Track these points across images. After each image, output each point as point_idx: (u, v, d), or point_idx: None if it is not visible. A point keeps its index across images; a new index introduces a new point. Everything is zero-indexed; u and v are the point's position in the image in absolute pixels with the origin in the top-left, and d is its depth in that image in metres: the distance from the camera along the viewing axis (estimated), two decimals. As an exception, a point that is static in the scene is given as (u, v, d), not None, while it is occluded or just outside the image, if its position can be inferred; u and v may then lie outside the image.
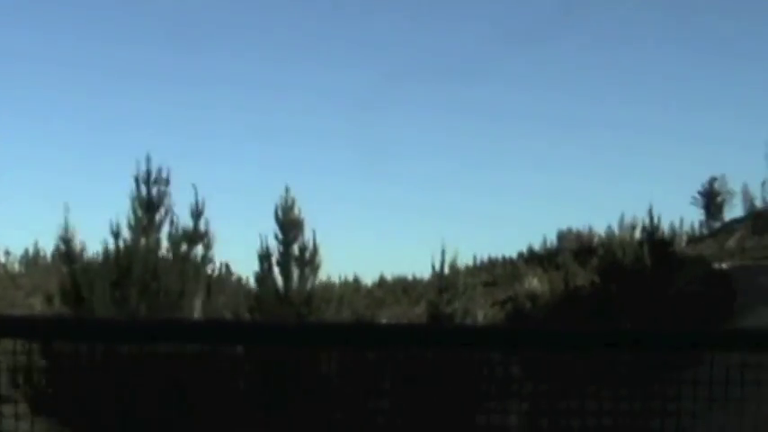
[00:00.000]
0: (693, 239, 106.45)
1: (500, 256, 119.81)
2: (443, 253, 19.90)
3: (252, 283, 12.20)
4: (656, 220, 32.08)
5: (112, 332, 2.40)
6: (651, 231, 31.91)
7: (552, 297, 37.87)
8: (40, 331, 2.45)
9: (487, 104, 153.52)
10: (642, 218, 30.43)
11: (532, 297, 48.38)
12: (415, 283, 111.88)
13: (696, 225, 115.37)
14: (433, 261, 20.11)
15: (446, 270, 20.02)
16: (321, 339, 2.55)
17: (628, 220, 28.35)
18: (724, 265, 64.91)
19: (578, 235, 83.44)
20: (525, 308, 42.22)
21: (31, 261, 48.58)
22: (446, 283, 19.90)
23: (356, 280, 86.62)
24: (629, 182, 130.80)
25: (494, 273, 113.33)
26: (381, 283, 74.34)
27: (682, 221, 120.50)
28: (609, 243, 25.46)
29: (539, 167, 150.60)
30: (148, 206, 9.69)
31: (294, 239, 10.62)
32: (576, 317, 24.06)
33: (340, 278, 79.86)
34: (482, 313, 66.39)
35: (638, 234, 27.60)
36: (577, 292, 31.03)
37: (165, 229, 9.98)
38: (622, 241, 25.15)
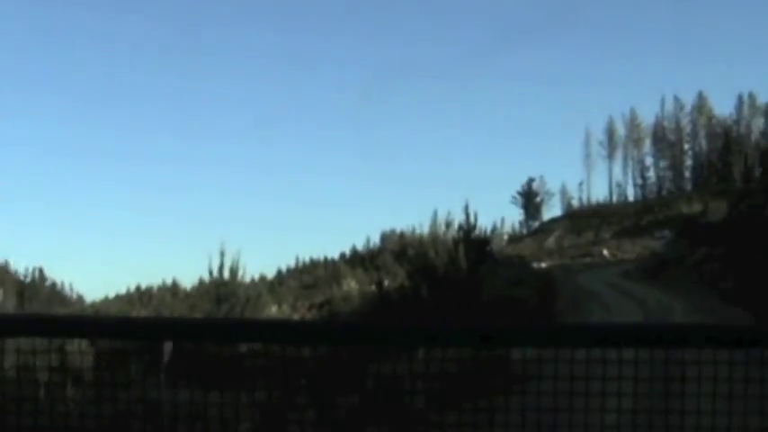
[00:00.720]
0: (514, 239, 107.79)
1: (323, 258, 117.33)
2: (222, 256, 16.53)
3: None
4: (472, 219, 30.09)
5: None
6: (468, 230, 29.85)
7: (367, 299, 35.82)
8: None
9: (301, 109, 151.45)
10: (459, 216, 28.30)
11: (348, 299, 46.17)
12: (236, 285, 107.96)
13: (516, 225, 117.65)
14: (210, 266, 16.71)
15: (226, 275, 16.61)
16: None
17: (442, 217, 25.87)
18: (543, 265, 64.94)
19: (401, 235, 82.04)
20: (341, 311, 40.58)
21: None
22: (228, 290, 16.49)
23: (174, 283, 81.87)
24: (454, 182, 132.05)
25: (315, 275, 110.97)
26: (200, 286, 70.05)
27: (503, 221, 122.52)
28: (420, 243, 22.74)
29: (367, 169, 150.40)
30: None
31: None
32: (386, 319, 21.76)
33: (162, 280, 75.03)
34: (298, 316, 63.48)
35: (454, 233, 25.21)
36: (391, 294, 28.64)
37: None
38: (435, 240, 22.55)
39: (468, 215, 29.88)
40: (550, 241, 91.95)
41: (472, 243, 29.53)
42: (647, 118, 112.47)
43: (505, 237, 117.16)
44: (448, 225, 23.35)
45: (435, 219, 25.02)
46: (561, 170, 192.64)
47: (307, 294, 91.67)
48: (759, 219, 34.90)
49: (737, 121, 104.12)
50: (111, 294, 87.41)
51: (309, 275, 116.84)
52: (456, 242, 23.78)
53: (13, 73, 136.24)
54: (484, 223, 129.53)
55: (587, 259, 65.92)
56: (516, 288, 21.85)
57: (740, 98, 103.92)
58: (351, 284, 61.45)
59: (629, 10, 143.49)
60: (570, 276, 41.56)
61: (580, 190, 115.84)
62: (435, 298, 20.06)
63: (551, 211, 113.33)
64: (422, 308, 19.90)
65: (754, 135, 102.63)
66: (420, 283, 20.49)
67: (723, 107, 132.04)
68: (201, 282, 73.54)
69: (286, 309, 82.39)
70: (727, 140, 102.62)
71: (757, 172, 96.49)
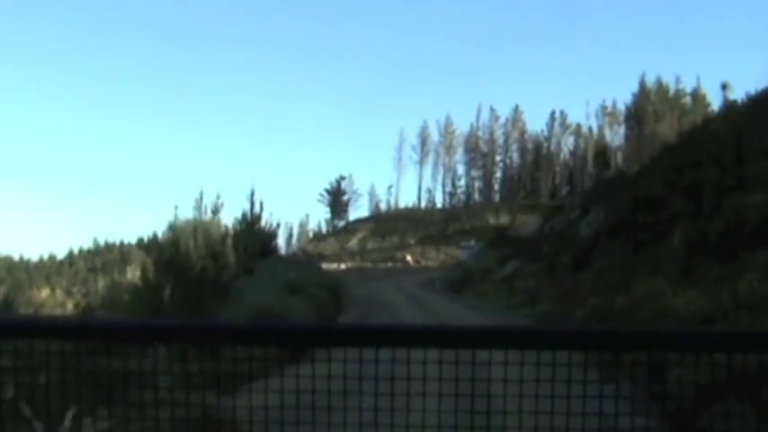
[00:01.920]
0: (318, 237, 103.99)
1: (119, 241, 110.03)
2: None
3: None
4: (257, 209, 25.84)
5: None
6: (252, 221, 25.33)
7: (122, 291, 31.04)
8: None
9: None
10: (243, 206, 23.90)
11: (124, 288, 41.81)
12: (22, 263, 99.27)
13: (323, 223, 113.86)
14: None
15: None
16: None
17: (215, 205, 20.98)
18: (342, 266, 61.48)
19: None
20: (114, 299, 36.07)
21: None
22: None
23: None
24: (270, 175, 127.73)
25: (106, 258, 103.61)
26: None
27: (308, 217, 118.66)
28: (173, 230, 17.63)
29: (179, 153, 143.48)
30: None
31: None
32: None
33: None
34: (72, 303, 57.32)
35: (221, 221, 20.36)
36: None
37: None
38: (196, 230, 17.61)
39: (252, 204, 25.33)
40: (354, 242, 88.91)
41: (255, 236, 24.98)
42: (462, 126, 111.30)
43: (311, 234, 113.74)
44: (215, 212, 18.42)
45: (200, 204, 19.85)
46: (373, 171, 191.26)
47: (91, 279, 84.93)
48: (573, 235, 32.35)
49: (548, 138, 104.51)
50: None
51: (101, 258, 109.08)
52: (224, 234, 19.00)
53: None
54: (290, 220, 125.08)
55: (389, 264, 63.05)
56: (292, 296, 17.40)
57: (552, 115, 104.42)
58: (135, 272, 57.23)
59: (453, 18, 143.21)
60: (367, 282, 37.58)
61: (389, 193, 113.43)
62: (182, 299, 15.21)
63: (359, 211, 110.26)
64: (160, 308, 15.07)
65: (564, 153, 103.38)
66: (163, 279, 15.50)
67: (537, 123, 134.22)
68: None
69: (59, 294, 75.02)
70: (537, 156, 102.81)
71: (564, 190, 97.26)
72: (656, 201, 19.17)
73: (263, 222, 25.74)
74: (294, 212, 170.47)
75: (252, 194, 24.90)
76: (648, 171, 25.58)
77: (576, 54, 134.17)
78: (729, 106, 26.98)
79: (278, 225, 25.47)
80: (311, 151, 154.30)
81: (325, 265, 59.10)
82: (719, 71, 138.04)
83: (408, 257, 67.96)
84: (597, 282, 18.31)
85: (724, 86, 34.69)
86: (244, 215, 25.12)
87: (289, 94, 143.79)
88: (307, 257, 73.92)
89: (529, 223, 51.59)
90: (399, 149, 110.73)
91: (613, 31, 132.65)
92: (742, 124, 21.91)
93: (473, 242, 59.73)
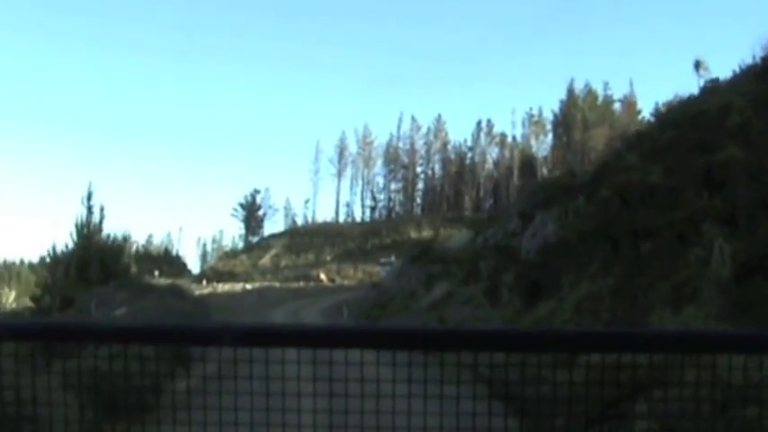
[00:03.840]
0: (230, 254, 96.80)
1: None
2: None
3: None
4: (96, 217, 19.16)
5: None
6: (88, 234, 18.71)
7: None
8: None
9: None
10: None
11: None
12: None
13: (238, 239, 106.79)
14: None
15: None
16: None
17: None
18: (248, 286, 54.77)
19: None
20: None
21: None
22: None
23: None
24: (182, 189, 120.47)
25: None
26: None
27: (222, 233, 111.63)
28: None
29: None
30: None
31: None
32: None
33: None
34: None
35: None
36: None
37: None
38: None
39: (90, 210, 18.43)
40: (266, 259, 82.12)
41: (91, 254, 18.11)
42: (381, 136, 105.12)
43: (222, 250, 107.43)
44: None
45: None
46: (290, 184, 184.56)
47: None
48: (514, 249, 26.31)
49: (473, 149, 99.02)
50: None
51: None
52: None
53: None
54: (203, 235, 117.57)
55: (301, 283, 56.55)
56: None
57: (479, 125, 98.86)
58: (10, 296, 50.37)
59: (373, 28, 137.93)
60: (261, 310, 30.75)
61: (306, 207, 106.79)
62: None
63: (274, 227, 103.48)
64: None
65: (488, 164, 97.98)
66: None
67: (462, 133, 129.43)
68: None
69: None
70: (460, 167, 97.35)
71: (488, 202, 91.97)
72: (656, 195, 13.04)
73: (104, 235, 18.93)
74: (210, 228, 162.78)
75: (89, 197, 18.09)
76: (618, 164, 19.40)
77: (502, 62, 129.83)
78: (714, 83, 21.38)
79: (124, 239, 18.78)
80: (227, 165, 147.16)
81: (228, 287, 52.29)
82: (649, 77, 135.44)
83: (322, 276, 61.68)
84: (578, 317, 12.06)
85: (698, 65, 29.47)
86: (78, 227, 18.19)
87: (202, 106, 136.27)
88: (214, 276, 67.13)
89: (457, 237, 45.62)
90: (316, 161, 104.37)
91: (541, 38, 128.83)
92: (757, 95, 15.88)
93: (393, 258, 53.31)
